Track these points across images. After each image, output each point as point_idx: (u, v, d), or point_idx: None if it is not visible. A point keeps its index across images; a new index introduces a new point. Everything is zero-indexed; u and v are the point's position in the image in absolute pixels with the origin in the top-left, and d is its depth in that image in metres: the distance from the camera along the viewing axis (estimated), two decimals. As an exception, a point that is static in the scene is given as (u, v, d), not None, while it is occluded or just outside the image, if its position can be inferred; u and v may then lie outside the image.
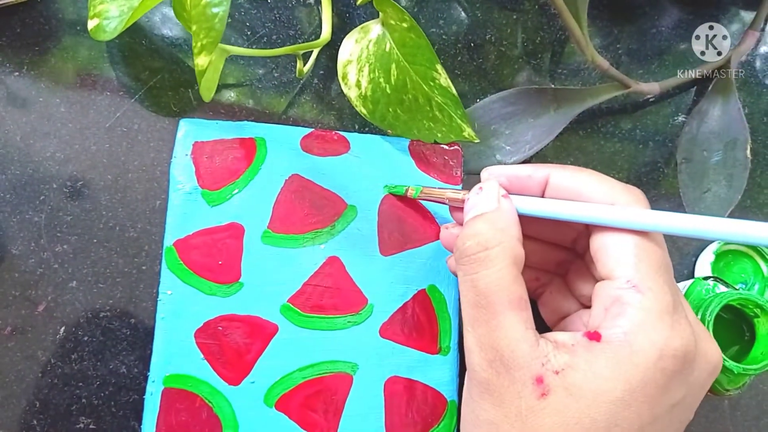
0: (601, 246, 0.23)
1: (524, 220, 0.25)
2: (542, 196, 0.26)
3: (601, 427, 0.21)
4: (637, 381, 0.21)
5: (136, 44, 0.34)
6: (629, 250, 0.22)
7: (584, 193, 0.24)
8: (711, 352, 0.23)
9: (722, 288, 0.30)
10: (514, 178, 0.27)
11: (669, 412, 0.22)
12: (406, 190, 0.31)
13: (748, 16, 0.40)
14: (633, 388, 0.21)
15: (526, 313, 0.23)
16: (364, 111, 0.31)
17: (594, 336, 0.22)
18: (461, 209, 0.27)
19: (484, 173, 0.28)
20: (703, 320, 0.29)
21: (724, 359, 0.30)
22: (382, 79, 0.30)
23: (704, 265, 0.34)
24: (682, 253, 0.36)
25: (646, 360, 0.21)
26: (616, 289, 0.22)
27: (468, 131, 0.30)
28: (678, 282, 0.35)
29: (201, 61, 0.24)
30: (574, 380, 0.21)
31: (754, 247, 0.35)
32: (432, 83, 0.30)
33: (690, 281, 0.32)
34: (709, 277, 0.31)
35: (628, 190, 0.24)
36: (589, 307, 0.27)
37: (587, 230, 0.25)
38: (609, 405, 0.21)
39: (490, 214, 0.25)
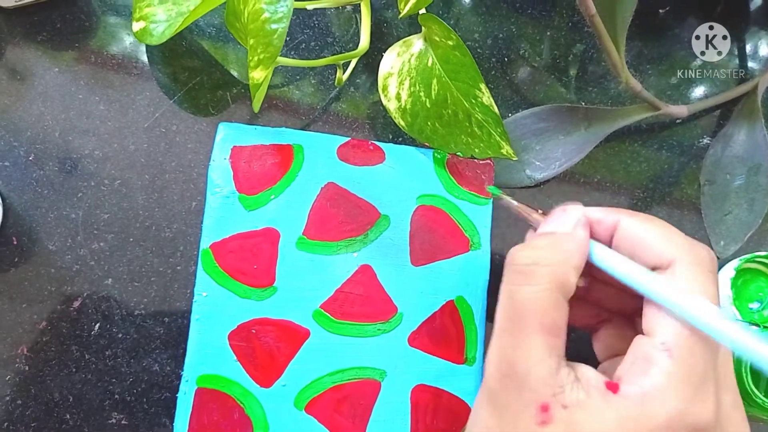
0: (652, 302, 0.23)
1: None
2: (610, 243, 0.25)
3: None
4: None
5: (176, 45, 0.34)
6: None
7: (647, 244, 0.23)
8: None
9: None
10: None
11: None
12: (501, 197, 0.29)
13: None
14: None
15: (556, 340, 0.22)
16: (402, 123, 0.32)
17: (612, 386, 0.21)
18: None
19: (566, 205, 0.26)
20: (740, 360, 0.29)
21: (756, 395, 0.31)
22: (422, 93, 0.31)
23: (724, 280, 0.35)
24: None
25: (653, 426, 0.20)
26: (650, 347, 0.22)
27: (506, 149, 0.31)
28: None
29: (257, 75, 0.24)
30: (579, 421, 0.20)
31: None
32: (474, 101, 0.30)
33: None
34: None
35: (691, 250, 0.23)
36: None
37: None
38: None
39: (559, 235, 0.24)
